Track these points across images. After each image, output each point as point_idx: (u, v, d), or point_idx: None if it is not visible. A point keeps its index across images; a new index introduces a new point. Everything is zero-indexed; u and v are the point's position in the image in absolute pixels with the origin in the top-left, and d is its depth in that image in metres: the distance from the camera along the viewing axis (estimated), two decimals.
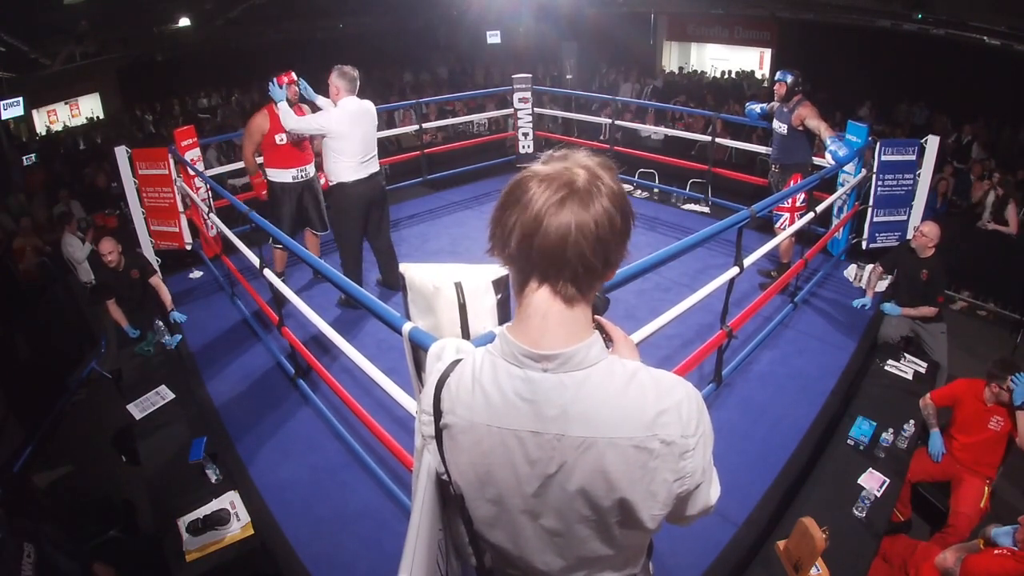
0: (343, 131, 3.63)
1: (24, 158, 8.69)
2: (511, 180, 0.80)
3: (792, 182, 4.11)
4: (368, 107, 3.76)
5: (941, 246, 3.62)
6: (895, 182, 4.58)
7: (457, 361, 0.88)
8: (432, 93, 10.76)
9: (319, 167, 4.19)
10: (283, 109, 3.73)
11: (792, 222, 3.98)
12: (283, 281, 3.89)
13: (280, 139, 3.92)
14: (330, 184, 3.86)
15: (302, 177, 4.12)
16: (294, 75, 3.85)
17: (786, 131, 4.17)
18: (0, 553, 2.09)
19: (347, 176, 3.73)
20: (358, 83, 3.69)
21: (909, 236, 4.44)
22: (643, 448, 0.79)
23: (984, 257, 5.46)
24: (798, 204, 4.07)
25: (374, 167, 3.85)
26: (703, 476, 0.85)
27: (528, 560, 0.92)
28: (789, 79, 4.11)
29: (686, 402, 0.82)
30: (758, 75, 12.20)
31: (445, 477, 0.92)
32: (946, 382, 3.39)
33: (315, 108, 4.00)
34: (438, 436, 0.88)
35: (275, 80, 3.76)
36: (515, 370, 0.81)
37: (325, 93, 3.87)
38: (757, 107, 4.73)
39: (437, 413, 0.87)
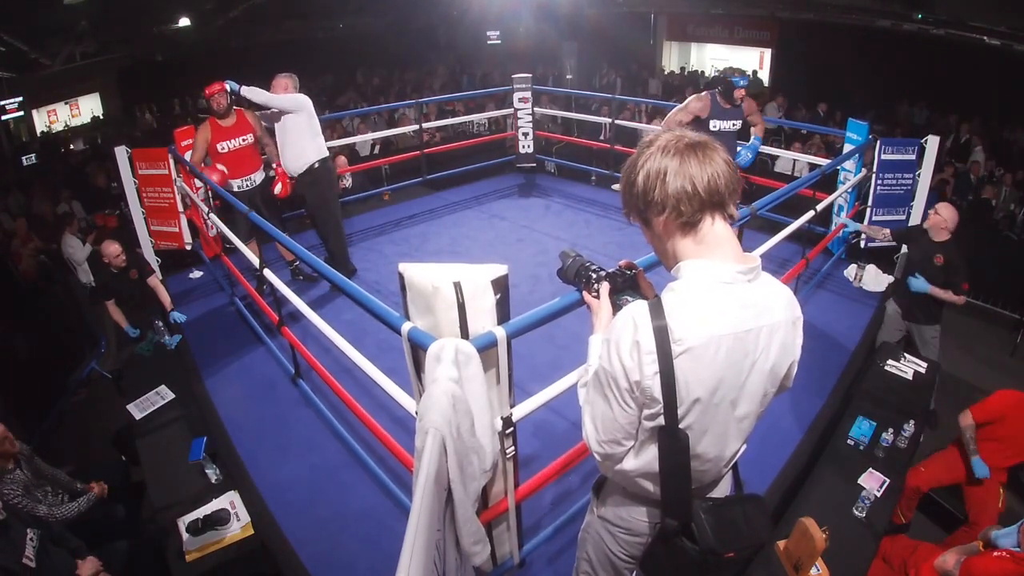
0: (308, 107, 3.98)
1: (24, 158, 8.69)
2: (650, 160, 1.02)
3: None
4: None
5: (957, 233, 3.48)
6: (894, 181, 4.57)
7: (646, 308, 1.02)
8: (432, 93, 10.75)
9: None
10: (248, 90, 3.85)
11: None
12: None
13: (222, 148, 4.00)
14: (298, 175, 4.03)
15: (247, 186, 4.15)
16: (226, 85, 3.96)
17: (740, 126, 4.27)
18: (7, 533, 2.13)
19: (314, 155, 4.02)
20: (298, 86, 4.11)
21: None
22: (794, 322, 1.11)
23: (984, 257, 5.45)
24: None
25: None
26: None
27: (721, 454, 1.15)
28: (744, 84, 4.16)
29: None
30: (758, 75, 12.18)
31: (660, 419, 1.05)
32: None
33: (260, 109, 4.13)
34: (666, 369, 1.00)
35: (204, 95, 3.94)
36: (729, 287, 1.03)
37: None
38: (748, 153, 4.39)
39: (666, 349, 1.00)
